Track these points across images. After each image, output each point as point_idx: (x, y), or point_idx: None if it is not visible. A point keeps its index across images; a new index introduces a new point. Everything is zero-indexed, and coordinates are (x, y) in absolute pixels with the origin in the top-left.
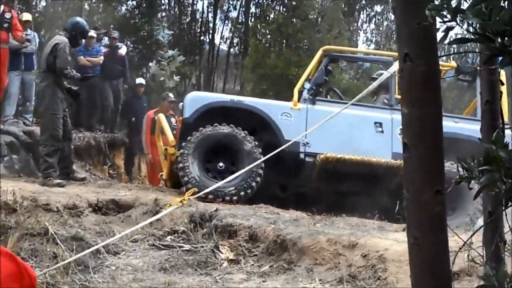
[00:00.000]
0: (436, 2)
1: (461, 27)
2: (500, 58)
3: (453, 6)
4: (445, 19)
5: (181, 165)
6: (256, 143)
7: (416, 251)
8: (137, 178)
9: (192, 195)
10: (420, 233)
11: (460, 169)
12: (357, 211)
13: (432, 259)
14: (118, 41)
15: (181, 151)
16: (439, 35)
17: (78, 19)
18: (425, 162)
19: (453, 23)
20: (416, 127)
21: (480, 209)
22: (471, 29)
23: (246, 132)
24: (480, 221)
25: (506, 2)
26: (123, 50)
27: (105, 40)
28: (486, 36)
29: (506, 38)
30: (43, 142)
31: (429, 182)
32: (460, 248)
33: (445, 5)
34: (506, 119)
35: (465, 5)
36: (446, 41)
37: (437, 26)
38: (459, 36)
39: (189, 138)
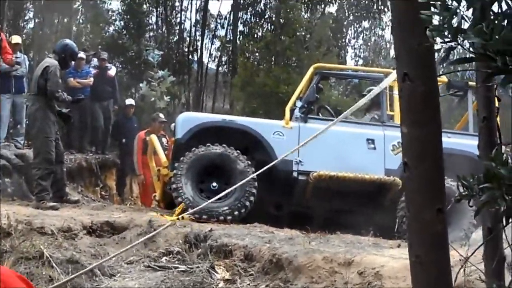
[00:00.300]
0: (435, 22)
1: (463, 47)
2: (502, 77)
3: (454, 26)
4: (446, 40)
5: (174, 185)
6: (249, 162)
7: (418, 269)
8: (129, 199)
9: (182, 211)
10: (422, 251)
11: (460, 186)
12: (351, 228)
13: (435, 277)
14: (107, 62)
15: (174, 171)
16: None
17: (68, 41)
18: (426, 181)
19: (454, 43)
20: (416, 147)
21: (475, 223)
22: (471, 49)
23: (238, 151)
24: (475, 236)
25: (505, 21)
26: (112, 71)
27: (94, 61)
28: (487, 55)
29: (507, 57)
30: (36, 165)
31: (430, 201)
32: (462, 266)
33: (445, 25)
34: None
35: (465, 25)
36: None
37: (437, 46)
38: (455, 55)
39: (182, 158)
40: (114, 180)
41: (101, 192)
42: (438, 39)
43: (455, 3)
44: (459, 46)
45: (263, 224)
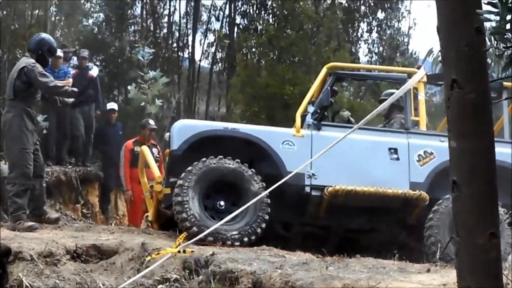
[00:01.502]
0: (490, 16)
1: None
2: None
3: None
4: (509, 44)
5: (179, 198)
6: (264, 184)
7: None
8: (114, 217)
9: (185, 238)
10: (474, 281)
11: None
12: (373, 250)
13: None
14: (88, 61)
15: (180, 182)
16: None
17: (43, 35)
18: (478, 201)
19: None
20: (467, 163)
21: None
22: None
23: (253, 170)
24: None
25: None
26: (94, 71)
27: (74, 60)
28: None
29: None
30: (12, 180)
31: (483, 224)
32: None
33: (508, 28)
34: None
35: None
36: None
37: (498, 52)
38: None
39: (190, 168)
40: (97, 196)
41: (83, 210)
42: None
43: None
44: None
45: (272, 246)
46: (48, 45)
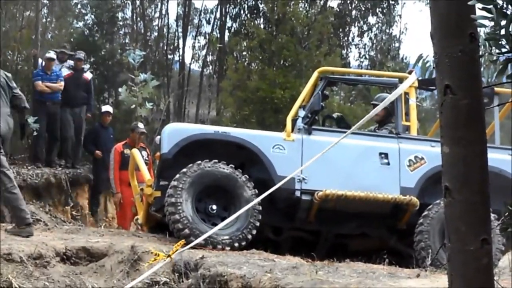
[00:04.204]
0: (484, 22)
1: None
2: None
3: None
4: (504, 50)
5: (173, 199)
6: (257, 190)
7: None
8: (103, 220)
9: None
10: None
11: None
12: (363, 255)
13: None
14: (84, 63)
15: (174, 183)
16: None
17: None
18: (470, 207)
19: None
20: (460, 168)
21: (502, 249)
22: None
23: (247, 176)
24: (501, 263)
25: None
26: (88, 74)
27: (67, 62)
28: None
29: None
30: None
31: (475, 230)
32: None
33: (502, 33)
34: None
35: None
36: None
37: (492, 58)
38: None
39: (184, 170)
40: (86, 199)
41: (72, 212)
42: (495, 50)
43: (511, 8)
44: None
45: (262, 250)
46: None
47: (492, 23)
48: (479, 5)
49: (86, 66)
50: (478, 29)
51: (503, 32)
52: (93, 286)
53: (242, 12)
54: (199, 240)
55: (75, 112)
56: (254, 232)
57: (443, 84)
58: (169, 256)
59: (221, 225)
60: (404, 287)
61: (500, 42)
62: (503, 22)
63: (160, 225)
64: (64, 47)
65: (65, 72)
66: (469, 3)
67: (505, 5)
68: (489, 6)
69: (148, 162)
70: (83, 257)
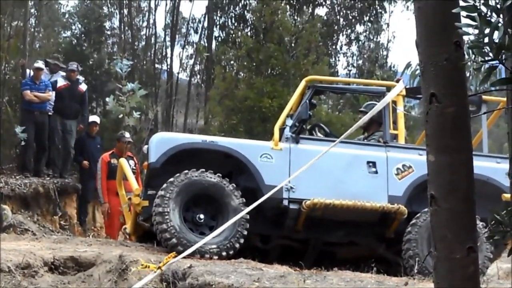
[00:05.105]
0: (468, 30)
1: (506, 67)
2: None
3: (497, 42)
4: (487, 58)
5: (160, 209)
6: (244, 200)
7: None
8: (92, 229)
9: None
10: None
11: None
12: (351, 264)
13: None
14: (78, 74)
15: (162, 193)
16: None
17: None
18: (456, 216)
19: (496, 62)
20: (445, 177)
21: (490, 258)
22: None
23: (234, 185)
24: (489, 271)
25: None
26: (83, 86)
27: (60, 72)
28: None
29: None
30: None
31: (461, 239)
32: None
33: (486, 41)
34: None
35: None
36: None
37: (476, 66)
38: None
39: (171, 180)
40: (74, 208)
41: (60, 222)
42: (478, 58)
43: (495, 16)
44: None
45: (250, 259)
46: None
47: (477, 31)
48: (463, 13)
49: (81, 78)
50: (463, 37)
51: (486, 40)
52: None
53: (229, 21)
54: (189, 251)
55: (64, 123)
56: (241, 241)
57: (429, 92)
58: (159, 268)
59: (211, 236)
60: None
61: (483, 50)
62: (487, 30)
63: (148, 234)
64: (58, 59)
65: (61, 82)
66: (454, 11)
67: (489, 13)
68: (473, 14)
69: (136, 171)
70: (71, 266)
